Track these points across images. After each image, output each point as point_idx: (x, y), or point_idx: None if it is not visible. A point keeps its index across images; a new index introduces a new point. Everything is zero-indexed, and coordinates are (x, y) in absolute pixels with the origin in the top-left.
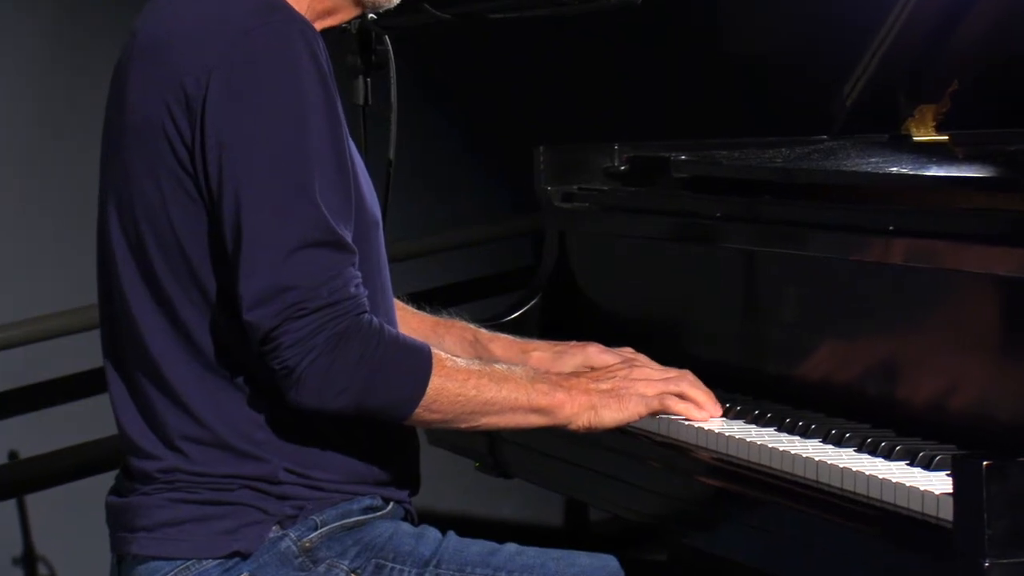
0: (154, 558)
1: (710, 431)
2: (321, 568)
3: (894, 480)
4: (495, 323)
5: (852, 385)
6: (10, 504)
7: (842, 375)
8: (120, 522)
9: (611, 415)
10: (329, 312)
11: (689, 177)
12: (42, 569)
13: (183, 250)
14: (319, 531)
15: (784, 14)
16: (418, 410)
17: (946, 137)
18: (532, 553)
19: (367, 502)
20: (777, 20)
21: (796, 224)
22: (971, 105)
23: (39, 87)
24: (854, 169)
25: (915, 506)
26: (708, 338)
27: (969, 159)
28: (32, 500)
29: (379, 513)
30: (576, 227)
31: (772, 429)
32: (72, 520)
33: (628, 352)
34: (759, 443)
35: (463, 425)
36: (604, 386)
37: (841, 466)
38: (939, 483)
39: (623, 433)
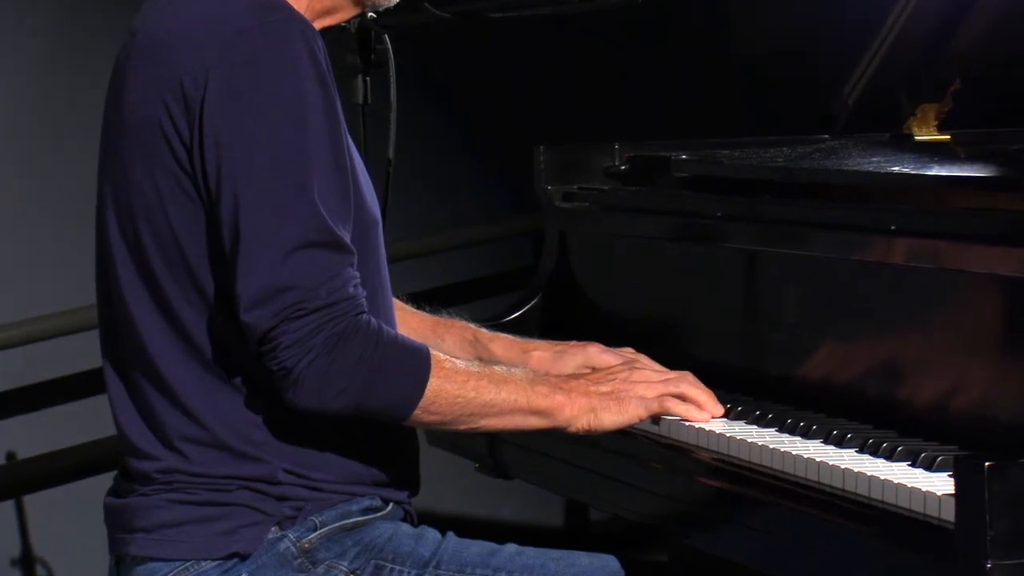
0: (153, 559)
1: (711, 432)
2: (320, 569)
3: (896, 481)
4: (495, 323)
5: (853, 385)
6: (9, 504)
7: (843, 375)
8: (118, 523)
9: (611, 418)
10: (328, 313)
11: (690, 177)
12: (40, 570)
13: (181, 250)
14: (318, 532)
15: (785, 14)
16: (417, 411)
17: (948, 136)
18: (532, 553)
19: (366, 503)
20: (778, 19)
21: (797, 224)
22: (972, 105)
23: (39, 87)
24: (855, 168)
25: (917, 507)
26: (709, 338)
27: (971, 159)
28: (31, 500)
29: (378, 514)
30: (576, 227)
31: (773, 430)
32: (71, 521)
33: (629, 352)
34: (760, 444)
35: (462, 426)
36: (604, 388)
37: (843, 467)
38: (941, 484)
39: (624, 434)
